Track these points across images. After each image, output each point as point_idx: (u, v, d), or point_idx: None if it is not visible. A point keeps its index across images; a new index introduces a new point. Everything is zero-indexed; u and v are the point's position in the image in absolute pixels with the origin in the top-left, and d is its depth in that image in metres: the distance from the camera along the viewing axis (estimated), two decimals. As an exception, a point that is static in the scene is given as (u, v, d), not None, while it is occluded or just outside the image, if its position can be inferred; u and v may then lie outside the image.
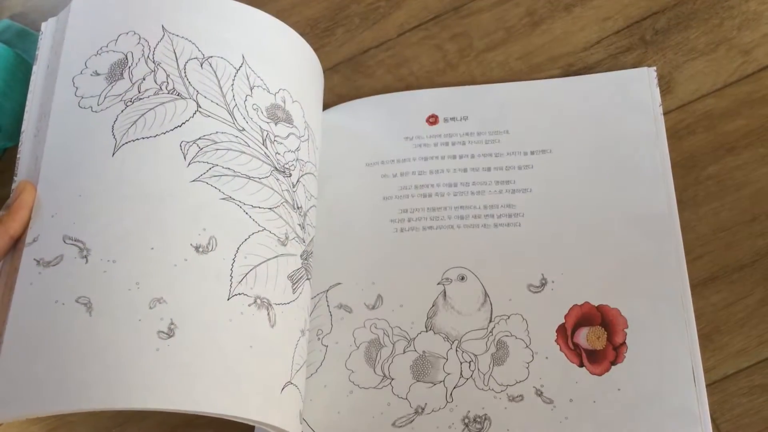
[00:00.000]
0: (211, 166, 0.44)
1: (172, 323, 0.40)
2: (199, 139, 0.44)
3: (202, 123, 0.45)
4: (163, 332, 0.40)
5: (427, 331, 0.50)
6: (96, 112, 0.44)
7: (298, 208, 0.48)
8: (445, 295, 0.50)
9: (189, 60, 0.46)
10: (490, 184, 0.53)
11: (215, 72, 0.46)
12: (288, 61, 0.51)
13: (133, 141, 0.43)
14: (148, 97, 0.45)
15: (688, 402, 0.45)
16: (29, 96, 0.48)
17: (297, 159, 0.49)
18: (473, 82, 0.58)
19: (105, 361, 0.38)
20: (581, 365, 0.47)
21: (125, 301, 0.40)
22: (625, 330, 0.47)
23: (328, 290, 0.52)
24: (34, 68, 0.49)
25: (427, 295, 0.50)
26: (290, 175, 0.48)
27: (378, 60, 0.60)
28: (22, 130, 0.47)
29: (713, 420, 0.46)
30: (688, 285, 0.48)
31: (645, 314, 0.47)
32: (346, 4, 0.62)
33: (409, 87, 0.59)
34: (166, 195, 0.43)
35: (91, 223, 0.41)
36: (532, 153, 0.53)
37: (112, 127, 0.44)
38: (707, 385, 0.46)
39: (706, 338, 0.48)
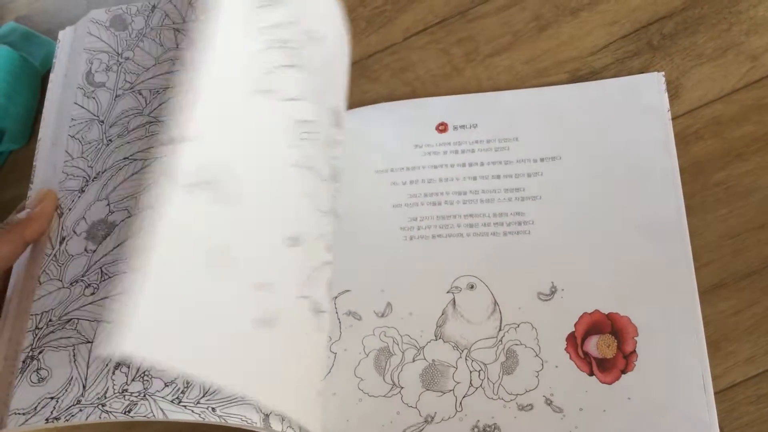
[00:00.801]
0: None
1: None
2: None
3: None
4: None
5: (436, 340, 0.50)
6: None
7: (337, 215, 0.48)
8: (454, 304, 0.50)
9: None
10: (500, 192, 0.53)
11: None
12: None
13: None
14: None
15: (698, 411, 0.45)
16: (46, 104, 0.48)
17: (340, 165, 0.50)
18: (479, 86, 0.58)
19: None
20: (591, 374, 0.47)
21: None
22: (635, 338, 0.47)
23: (337, 297, 0.52)
24: (51, 76, 0.49)
25: (436, 303, 0.50)
26: (338, 181, 0.48)
27: (384, 64, 0.60)
28: (39, 138, 0.47)
29: (721, 429, 0.45)
30: (697, 292, 0.48)
31: (655, 322, 0.47)
32: (352, 8, 0.61)
33: (414, 91, 0.59)
34: None
35: None
36: (542, 160, 0.53)
37: None
38: (715, 393, 0.46)
39: (713, 346, 0.48)
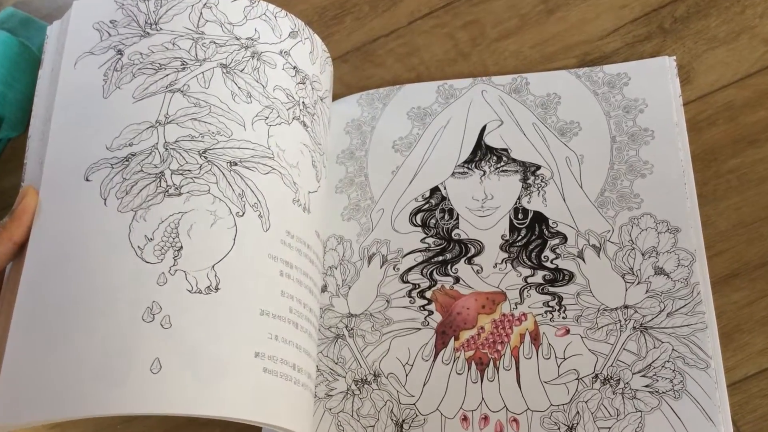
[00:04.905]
0: None
1: None
2: None
3: None
4: None
5: None
6: None
7: None
8: None
9: None
10: None
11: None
12: None
13: None
14: None
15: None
16: (35, 100, 0.47)
17: None
18: (485, 71, 0.57)
19: None
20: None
21: None
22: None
23: None
24: (40, 72, 0.48)
25: None
26: None
27: (388, 49, 0.59)
28: (29, 135, 0.47)
29: (734, 422, 0.44)
30: (709, 282, 0.46)
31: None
32: (356, -9, 0.60)
33: (419, 76, 0.58)
34: None
35: None
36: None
37: None
38: (728, 386, 0.44)
39: (726, 337, 0.46)
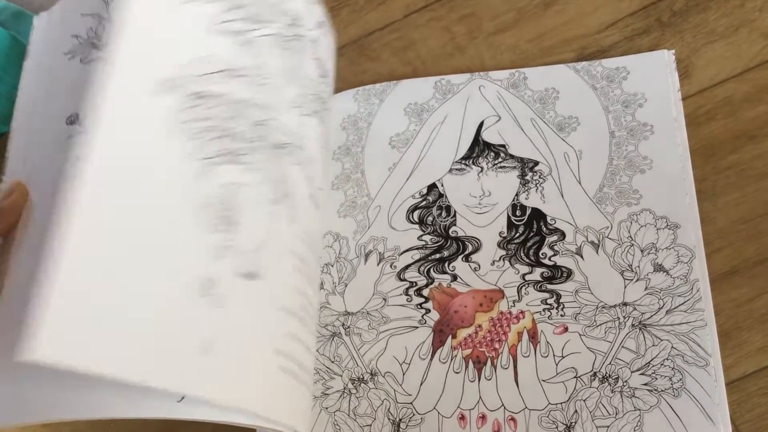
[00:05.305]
0: None
1: None
2: None
3: None
4: None
5: None
6: None
7: None
8: None
9: None
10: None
11: None
12: None
13: None
14: None
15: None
16: (19, 94, 0.46)
17: None
18: (482, 65, 0.56)
19: None
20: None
21: None
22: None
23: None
24: (25, 64, 0.46)
25: None
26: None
27: (384, 42, 0.58)
28: (11, 129, 0.45)
29: (732, 421, 0.44)
30: (708, 279, 0.46)
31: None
32: (351, -16, 0.60)
33: (415, 71, 0.57)
34: None
35: None
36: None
37: None
38: (726, 384, 0.44)
39: (725, 335, 0.46)
